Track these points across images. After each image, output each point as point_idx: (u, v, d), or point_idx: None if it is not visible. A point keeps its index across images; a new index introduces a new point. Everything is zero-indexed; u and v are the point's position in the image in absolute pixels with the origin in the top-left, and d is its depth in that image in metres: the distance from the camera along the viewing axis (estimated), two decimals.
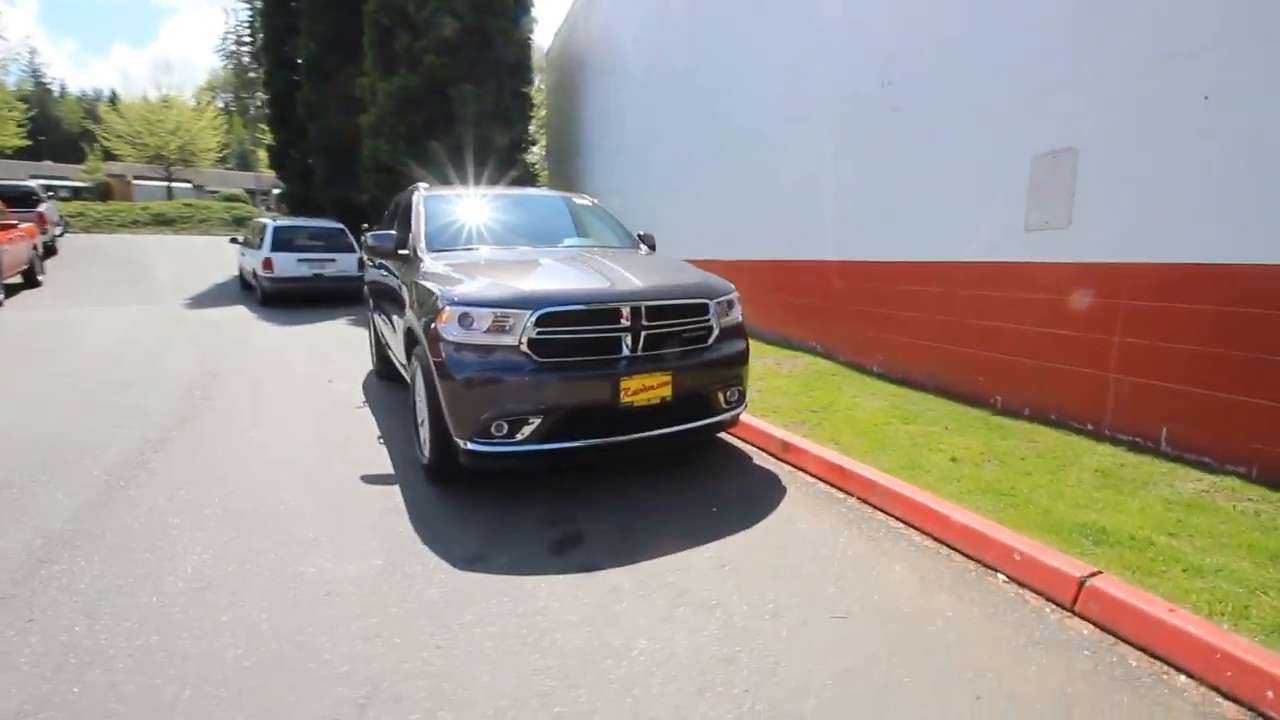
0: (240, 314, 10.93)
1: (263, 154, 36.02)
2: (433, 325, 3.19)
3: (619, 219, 5.06)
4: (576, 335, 3.14)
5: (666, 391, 3.26)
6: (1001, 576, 2.52)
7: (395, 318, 4.41)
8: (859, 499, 3.27)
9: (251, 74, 54.35)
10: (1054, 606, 2.33)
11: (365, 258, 6.50)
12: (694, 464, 3.82)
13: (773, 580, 2.54)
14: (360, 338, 8.85)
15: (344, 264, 12.38)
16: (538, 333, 3.07)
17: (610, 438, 3.19)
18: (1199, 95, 3.16)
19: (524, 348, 3.07)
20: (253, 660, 2.07)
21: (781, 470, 3.74)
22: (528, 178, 15.14)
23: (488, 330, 3.09)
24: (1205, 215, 3.21)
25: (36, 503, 3.27)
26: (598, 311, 3.16)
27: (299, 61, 17.64)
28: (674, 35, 9.19)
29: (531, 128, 15.59)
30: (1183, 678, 1.95)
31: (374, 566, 2.67)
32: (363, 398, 5.41)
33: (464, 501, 3.29)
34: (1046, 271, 3.97)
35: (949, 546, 2.76)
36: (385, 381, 5.96)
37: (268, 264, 11.55)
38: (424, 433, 3.67)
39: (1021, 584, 2.46)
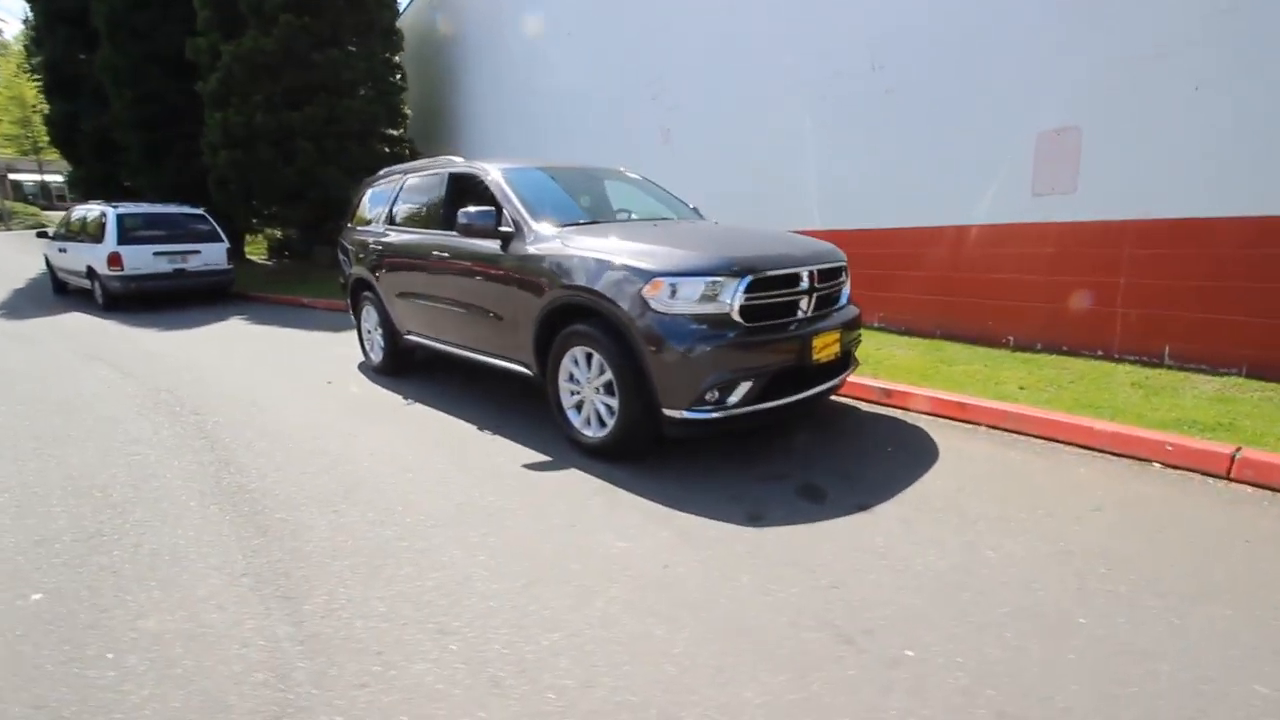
0: (94, 323, 9.01)
1: None
2: (639, 297, 3.15)
3: (671, 193, 5.15)
4: (774, 300, 3.30)
5: (837, 348, 3.56)
6: (1157, 465, 3.21)
7: (482, 299, 4.14)
8: (989, 426, 3.84)
9: None
10: (1214, 479, 3.05)
11: (359, 240, 5.81)
12: (817, 419, 4.14)
13: (1011, 493, 2.98)
14: (289, 338, 7.86)
15: (210, 256, 10.69)
16: (746, 299, 3.18)
17: (798, 394, 3.41)
18: (1191, 85, 4.12)
19: (735, 314, 3.17)
20: (689, 630, 2.05)
21: (895, 413, 4.21)
22: (408, 156, 14.11)
23: (700, 299, 3.13)
24: (1195, 180, 4.21)
25: (175, 543, 2.72)
26: (789, 276, 3.35)
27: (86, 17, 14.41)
28: (612, 9, 9.14)
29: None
30: None
31: (664, 539, 2.66)
32: (398, 397, 4.94)
33: (655, 473, 3.29)
34: (1055, 229, 4.85)
35: (1098, 450, 3.41)
36: (405, 377, 5.47)
37: (115, 260, 9.62)
38: (581, 414, 3.60)
39: (1177, 467, 3.16)
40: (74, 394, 5.24)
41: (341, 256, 6.21)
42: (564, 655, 1.96)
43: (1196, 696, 1.74)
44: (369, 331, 5.82)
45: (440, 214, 4.71)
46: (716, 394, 3.15)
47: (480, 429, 4.13)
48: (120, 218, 9.90)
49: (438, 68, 15.22)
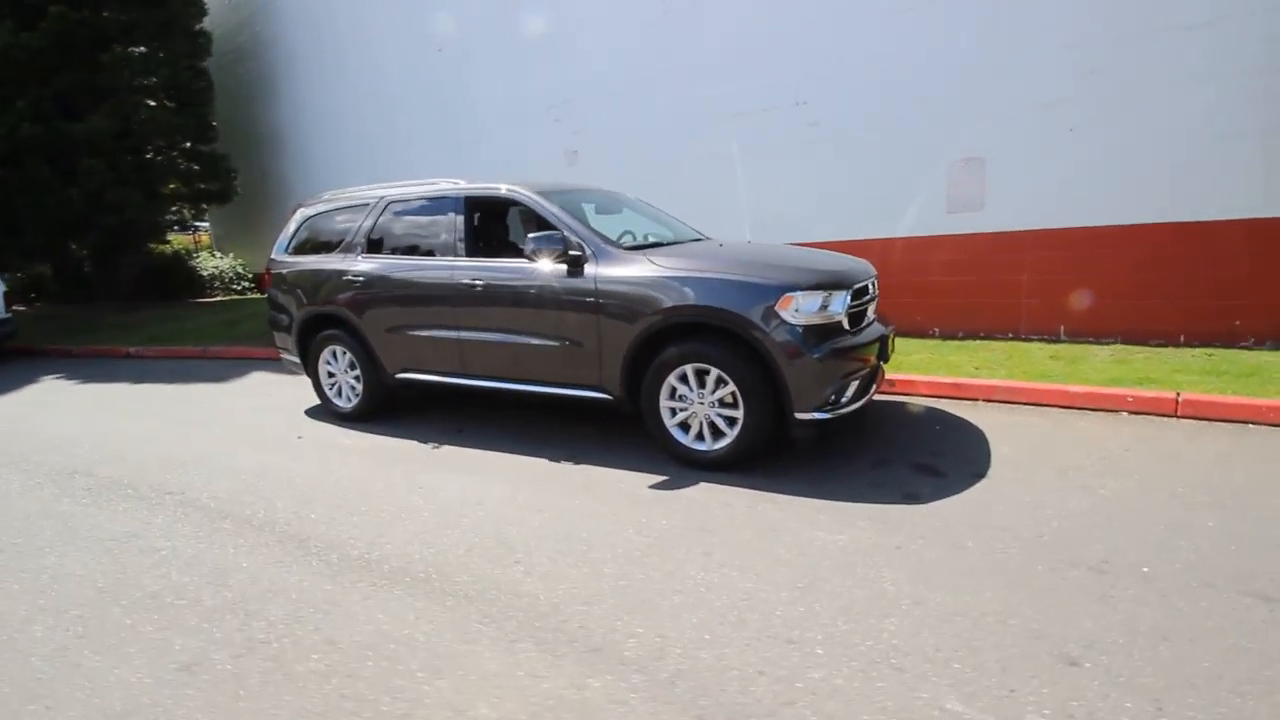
0: None
1: None
2: (772, 311, 3.37)
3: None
4: (860, 307, 3.74)
5: (892, 346, 4.11)
6: (1124, 413, 4.24)
7: (547, 327, 4.00)
8: (984, 400, 4.68)
9: None
10: (1164, 417, 4.12)
11: (312, 271, 5.10)
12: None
13: (1064, 447, 3.74)
14: (161, 394, 6.65)
15: None
16: (850, 307, 3.58)
17: (874, 389, 3.89)
18: (1067, 127, 5.44)
19: (845, 322, 3.56)
20: (988, 592, 2.36)
21: (901, 399, 4.90)
22: (223, 173, 12.28)
23: (818, 310, 3.45)
24: (1075, 199, 5.54)
25: (377, 630, 2.36)
26: (865, 287, 3.81)
27: None
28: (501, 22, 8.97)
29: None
30: (1252, 425, 3.90)
31: (865, 527, 2.92)
32: (412, 442, 4.49)
33: (782, 476, 3.52)
34: (968, 239, 5.99)
35: (1076, 408, 4.38)
36: (382, 420, 4.95)
37: None
38: (690, 431, 3.69)
39: (1138, 413, 4.21)
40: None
41: (275, 293, 5.40)
42: (920, 632, 2.16)
43: None
44: (332, 375, 5.14)
45: (457, 240, 4.41)
46: (833, 395, 3.50)
47: (553, 461, 3.98)
48: None
49: (248, 74, 13.46)
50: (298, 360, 5.35)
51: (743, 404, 3.50)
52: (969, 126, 5.88)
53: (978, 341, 6.06)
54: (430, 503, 3.46)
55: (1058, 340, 5.79)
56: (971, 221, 6.00)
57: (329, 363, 5.13)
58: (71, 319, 11.44)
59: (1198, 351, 5.13)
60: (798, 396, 3.42)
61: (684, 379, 3.66)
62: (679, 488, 3.47)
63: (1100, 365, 5.06)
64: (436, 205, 4.57)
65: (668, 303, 3.61)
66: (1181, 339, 5.32)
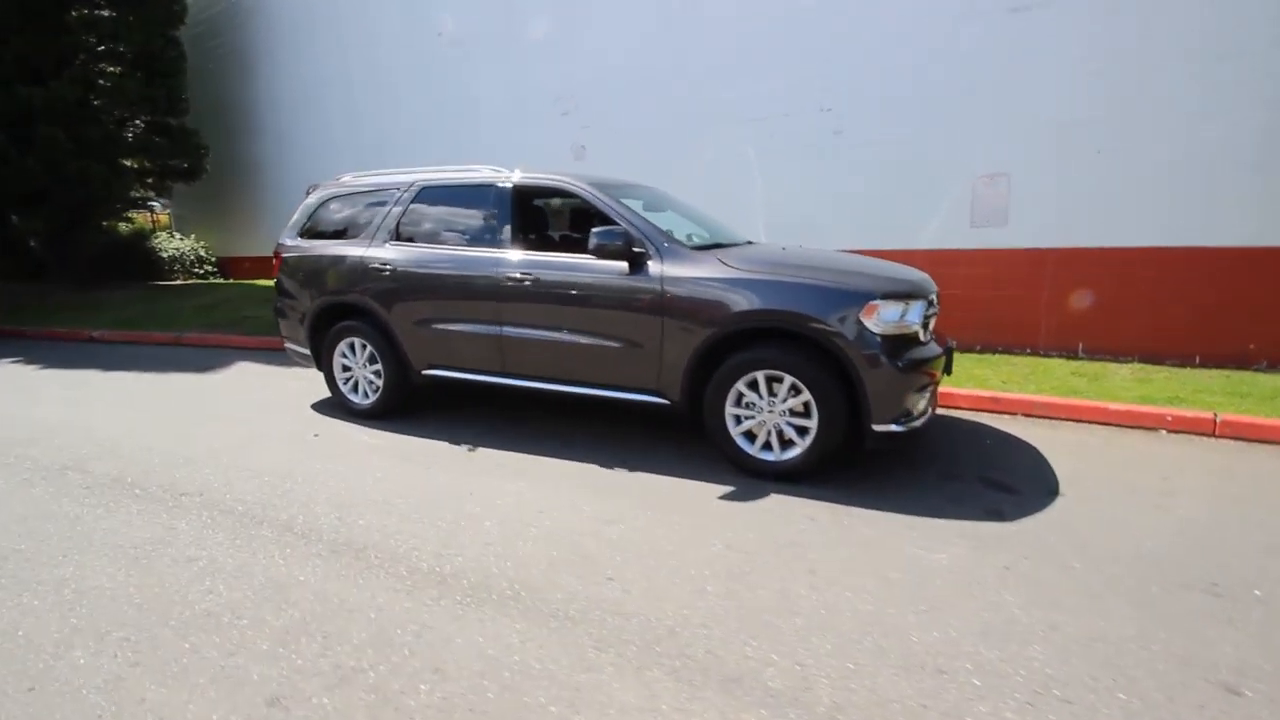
0: None
1: None
2: (856, 319, 3.27)
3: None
4: (928, 318, 3.68)
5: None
6: (1163, 431, 4.31)
7: (605, 327, 3.81)
8: (1024, 415, 4.70)
9: None
10: (1203, 436, 4.20)
11: (326, 258, 4.76)
12: None
13: (1121, 464, 3.75)
14: (138, 384, 6.19)
15: None
16: (924, 317, 3.52)
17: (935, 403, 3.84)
18: (1093, 149, 5.54)
19: (920, 332, 3.49)
20: (1119, 612, 2.30)
21: (941, 412, 4.88)
22: (194, 149, 11.58)
23: (899, 320, 3.37)
24: (1098, 218, 5.64)
25: (478, 655, 2.14)
26: (933, 298, 3.76)
27: None
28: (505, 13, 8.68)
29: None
30: None
31: (961, 545, 2.84)
32: (443, 443, 4.23)
33: (855, 491, 3.44)
34: (991, 254, 6.05)
35: (1115, 425, 4.43)
36: (400, 418, 4.67)
37: None
38: (756, 441, 3.56)
39: (1175, 431, 4.28)
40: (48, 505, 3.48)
41: (284, 279, 5.04)
42: (1070, 660, 2.07)
43: None
44: (347, 369, 4.82)
45: (502, 231, 4.17)
46: (909, 407, 3.43)
47: (605, 467, 3.79)
48: None
49: (220, 48, 12.75)
50: (307, 352, 5.00)
51: (817, 413, 3.39)
52: (994, 141, 5.94)
53: (997, 356, 6.12)
54: (488, 510, 3.23)
55: (1076, 357, 5.90)
56: (993, 237, 6.07)
57: (345, 356, 4.80)
58: (19, 299, 10.55)
59: (1215, 373, 5.29)
60: (877, 407, 3.32)
61: (753, 385, 3.53)
62: (751, 499, 3.34)
63: (1124, 383, 5.16)
64: (479, 194, 4.32)
65: (744, 306, 3.47)
66: (1197, 360, 5.48)
